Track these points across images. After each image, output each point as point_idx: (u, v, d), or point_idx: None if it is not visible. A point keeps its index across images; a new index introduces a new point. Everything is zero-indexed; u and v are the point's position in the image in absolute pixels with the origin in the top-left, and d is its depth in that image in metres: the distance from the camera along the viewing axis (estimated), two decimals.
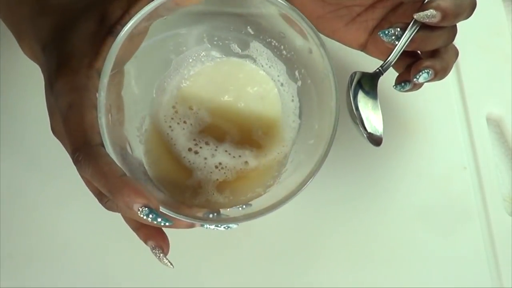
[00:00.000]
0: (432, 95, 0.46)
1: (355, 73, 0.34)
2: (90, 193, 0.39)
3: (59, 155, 0.41)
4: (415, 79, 0.34)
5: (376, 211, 0.42)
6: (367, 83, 0.34)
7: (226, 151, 0.35)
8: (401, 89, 0.36)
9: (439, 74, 0.34)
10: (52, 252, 0.39)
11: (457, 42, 0.48)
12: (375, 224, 0.41)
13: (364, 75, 0.34)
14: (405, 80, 0.35)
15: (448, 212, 0.42)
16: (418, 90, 0.46)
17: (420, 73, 0.34)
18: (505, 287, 0.39)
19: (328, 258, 0.40)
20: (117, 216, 0.36)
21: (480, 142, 0.44)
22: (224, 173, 0.35)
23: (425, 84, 0.46)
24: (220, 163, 0.35)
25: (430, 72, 0.34)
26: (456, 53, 0.36)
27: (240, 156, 0.35)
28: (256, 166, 0.35)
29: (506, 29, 0.49)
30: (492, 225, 0.41)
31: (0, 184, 0.41)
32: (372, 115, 0.33)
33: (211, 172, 0.35)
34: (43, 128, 0.42)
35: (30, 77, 0.41)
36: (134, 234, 0.38)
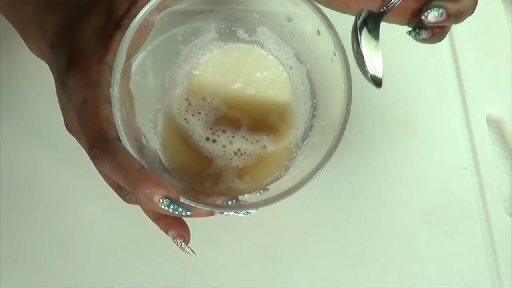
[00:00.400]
0: (432, 95, 0.46)
1: (362, 10, 0.33)
2: (90, 193, 0.39)
3: (59, 155, 0.41)
4: (423, 17, 0.32)
5: (376, 211, 0.42)
6: (371, 22, 0.34)
7: (243, 137, 0.35)
8: (417, 36, 0.34)
9: (453, 16, 0.32)
10: (52, 252, 0.39)
11: (457, 42, 0.48)
12: (375, 224, 0.41)
13: (370, 13, 0.33)
14: (420, 27, 0.34)
15: (448, 212, 0.42)
16: (418, 90, 0.46)
17: (430, 10, 0.32)
18: (505, 287, 0.39)
19: (327, 258, 0.40)
20: (117, 216, 0.36)
21: (480, 142, 0.44)
22: (244, 158, 0.35)
23: (425, 84, 0.46)
24: (239, 149, 0.35)
25: (441, 10, 0.32)
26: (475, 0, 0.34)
27: (258, 141, 0.35)
28: (274, 150, 0.35)
29: (506, 29, 0.49)
30: (492, 226, 0.41)
31: (0, 184, 0.41)
32: (374, 55, 0.33)
33: (230, 159, 0.35)
34: (43, 128, 0.42)
35: (32, 75, 0.42)
36: (134, 233, 0.38)
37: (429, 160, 0.44)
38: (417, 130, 0.45)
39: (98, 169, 0.29)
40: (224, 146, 0.35)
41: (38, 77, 0.38)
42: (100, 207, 0.39)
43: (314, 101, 0.36)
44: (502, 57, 0.48)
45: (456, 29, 0.48)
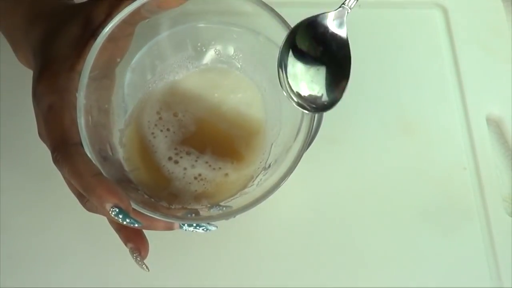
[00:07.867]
0: (432, 95, 0.46)
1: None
2: None
3: None
4: None
5: (376, 211, 0.42)
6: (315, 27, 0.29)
7: (206, 162, 0.35)
8: None
9: None
10: (52, 252, 0.39)
11: (457, 42, 0.48)
12: (375, 224, 0.41)
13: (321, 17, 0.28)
14: None
15: (448, 212, 0.42)
16: (418, 90, 0.46)
17: None
18: (505, 287, 0.39)
19: (327, 258, 0.40)
20: None
21: (480, 142, 0.44)
22: (203, 184, 0.35)
23: (425, 84, 0.46)
24: (199, 174, 0.35)
25: None
26: None
27: (220, 168, 0.35)
28: (236, 178, 0.35)
29: (506, 29, 0.49)
30: (492, 226, 0.41)
31: (0, 183, 0.41)
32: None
33: (189, 183, 0.35)
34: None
35: (29, 80, 0.42)
36: None
37: (429, 160, 0.44)
38: (417, 130, 0.45)
39: (62, 174, 0.29)
40: (185, 169, 0.35)
41: (29, 81, 0.38)
42: None
43: (283, 122, 0.36)
44: (502, 57, 0.48)
45: (456, 29, 0.48)
